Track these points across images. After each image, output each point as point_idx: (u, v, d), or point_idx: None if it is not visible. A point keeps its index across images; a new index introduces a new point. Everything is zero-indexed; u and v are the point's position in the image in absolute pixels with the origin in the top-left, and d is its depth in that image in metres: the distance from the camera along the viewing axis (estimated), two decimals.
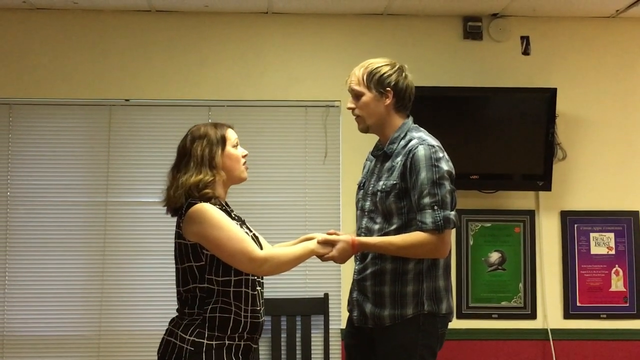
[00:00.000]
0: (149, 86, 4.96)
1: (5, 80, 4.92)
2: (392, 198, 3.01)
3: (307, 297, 4.90)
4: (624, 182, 5.01)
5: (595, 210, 4.98)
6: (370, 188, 3.15)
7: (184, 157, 2.86)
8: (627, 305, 4.94)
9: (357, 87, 3.13)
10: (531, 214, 4.98)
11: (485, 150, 4.85)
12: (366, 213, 3.15)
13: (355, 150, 4.60)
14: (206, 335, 2.73)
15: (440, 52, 5.04)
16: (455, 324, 4.43)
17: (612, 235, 4.97)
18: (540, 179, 4.83)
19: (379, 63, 3.13)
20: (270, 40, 5.03)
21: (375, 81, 3.09)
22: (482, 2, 4.77)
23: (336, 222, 4.89)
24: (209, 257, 2.76)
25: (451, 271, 3.20)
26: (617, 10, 4.92)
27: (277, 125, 5.02)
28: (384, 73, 3.09)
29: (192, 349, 2.71)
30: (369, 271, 3.08)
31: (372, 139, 3.29)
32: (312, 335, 4.84)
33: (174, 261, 2.86)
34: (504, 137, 4.85)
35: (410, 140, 3.06)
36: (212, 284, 2.76)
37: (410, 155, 2.99)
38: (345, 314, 3.33)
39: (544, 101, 4.80)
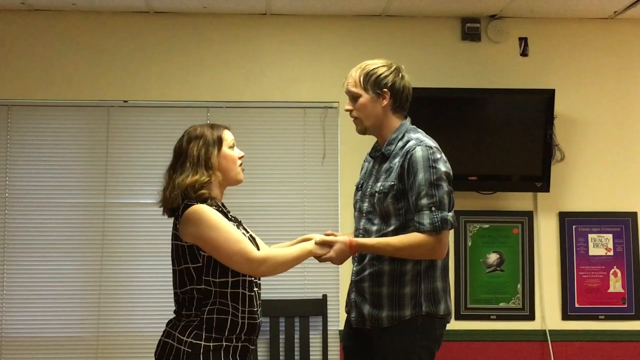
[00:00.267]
0: (148, 87, 4.96)
1: (4, 81, 4.92)
2: (389, 199, 3.02)
3: (305, 298, 4.90)
4: (622, 183, 5.02)
5: (594, 212, 4.98)
6: (368, 189, 3.15)
7: (180, 157, 2.86)
8: (626, 306, 4.94)
9: (354, 89, 3.13)
10: (529, 215, 4.98)
11: (483, 152, 4.85)
12: (364, 214, 3.15)
13: (353, 151, 4.60)
14: (203, 337, 2.73)
15: (438, 53, 5.04)
16: (454, 325, 4.46)
17: (610, 236, 4.98)
18: (538, 180, 4.83)
19: (376, 64, 3.13)
20: (269, 41, 5.03)
21: (372, 82, 3.09)
22: (481, 4, 4.77)
23: (334, 223, 4.89)
24: (206, 258, 2.75)
25: (449, 272, 3.20)
26: (615, 12, 4.92)
27: (276, 127, 5.02)
28: (381, 74, 3.09)
29: (190, 350, 2.71)
30: (366, 272, 3.08)
31: (370, 140, 3.29)
32: (310, 336, 4.84)
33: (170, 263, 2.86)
34: (502, 138, 4.85)
35: (408, 142, 3.06)
36: (209, 285, 2.76)
37: (408, 156, 2.99)
38: (343, 315, 3.33)
39: (542, 102, 4.81)
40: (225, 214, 2.87)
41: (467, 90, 4.91)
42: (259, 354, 4.80)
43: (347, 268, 3.33)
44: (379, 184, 3.08)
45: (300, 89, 5.01)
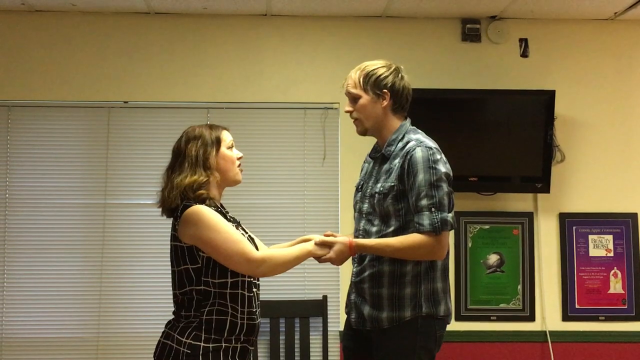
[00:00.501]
0: (148, 88, 4.96)
1: (4, 82, 4.92)
2: (389, 200, 3.02)
3: (305, 299, 4.90)
4: (623, 184, 5.01)
5: (594, 212, 4.98)
6: (368, 190, 3.16)
7: (179, 157, 2.87)
8: (626, 307, 4.93)
9: (353, 90, 3.13)
10: (530, 216, 4.98)
11: (483, 153, 4.85)
12: (364, 215, 3.15)
13: (353, 152, 4.60)
14: (203, 338, 2.73)
15: (438, 54, 5.04)
16: (454, 326, 4.45)
17: (610, 237, 4.97)
18: (538, 181, 4.82)
19: (375, 65, 3.13)
20: (269, 42, 5.03)
21: (371, 83, 3.10)
22: (481, 5, 4.77)
23: (335, 224, 4.89)
24: (205, 259, 2.75)
25: (449, 273, 3.20)
26: (616, 13, 4.92)
27: (276, 128, 5.02)
28: (380, 75, 3.10)
29: (189, 351, 2.71)
30: (366, 273, 3.09)
31: (370, 141, 3.30)
32: (310, 337, 4.84)
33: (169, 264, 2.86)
34: (503, 139, 4.85)
35: (407, 142, 3.06)
36: (208, 286, 2.76)
37: (408, 157, 2.99)
38: (343, 316, 3.33)
39: (542, 103, 4.80)
40: (224, 214, 2.87)
41: (467, 91, 4.91)
42: (259, 354, 4.80)
43: (347, 269, 3.33)
44: (379, 185, 3.08)
45: (301, 89, 5.01)
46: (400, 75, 3.14)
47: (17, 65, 4.93)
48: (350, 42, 5.02)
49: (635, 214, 4.99)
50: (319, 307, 4.86)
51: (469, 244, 4.96)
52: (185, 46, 4.99)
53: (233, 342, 2.78)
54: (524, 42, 5.05)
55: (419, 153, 2.98)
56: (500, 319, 4.93)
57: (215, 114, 4.94)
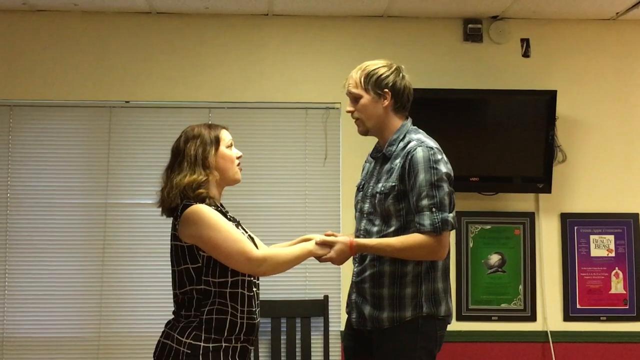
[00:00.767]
0: (150, 88, 4.96)
1: (6, 82, 4.93)
2: (390, 200, 3.02)
3: (306, 299, 4.90)
4: (624, 184, 5.01)
5: (595, 213, 4.98)
6: (369, 190, 3.15)
7: (178, 157, 2.86)
8: (627, 307, 4.93)
9: (355, 90, 3.13)
10: (531, 216, 4.98)
11: (485, 153, 4.85)
12: (365, 215, 3.15)
13: (355, 152, 4.60)
14: (203, 338, 2.73)
15: (440, 54, 5.04)
16: (455, 326, 4.45)
17: (612, 237, 4.97)
18: (540, 181, 4.82)
19: (376, 65, 3.13)
20: (271, 42, 5.03)
21: (372, 83, 3.09)
22: (482, 5, 4.77)
23: (336, 224, 4.89)
24: (205, 258, 2.75)
25: (450, 273, 3.20)
26: (617, 13, 4.92)
27: (277, 127, 5.02)
28: (381, 74, 3.09)
29: (189, 351, 2.71)
30: (367, 273, 3.08)
31: (372, 141, 3.29)
32: (311, 337, 4.84)
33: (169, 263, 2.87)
34: (504, 139, 4.84)
35: (409, 142, 3.06)
36: (208, 286, 2.76)
37: (409, 157, 2.99)
38: (344, 316, 3.33)
39: (544, 103, 4.80)
40: (224, 214, 2.87)
41: (468, 91, 4.91)
42: (260, 354, 4.80)
43: (348, 269, 3.33)
44: (380, 185, 3.08)
45: (302, 89, 5.01)
46: (401, 74, 3.14)
47: (18, 64, 4.94)
48: (351, 42, 5.02)
49: (637, 214, 4.98)
50: (320, 307, 4.86)
51: (470, 244, 4.96)
52: (187, 46, 5.00)
53: (233, 341, 2.77)
54: (525, 42, 5.05)
55: (420, 153, 2.97)
56: (501, 319, 4.93)
57: (216, 114, 4.94)
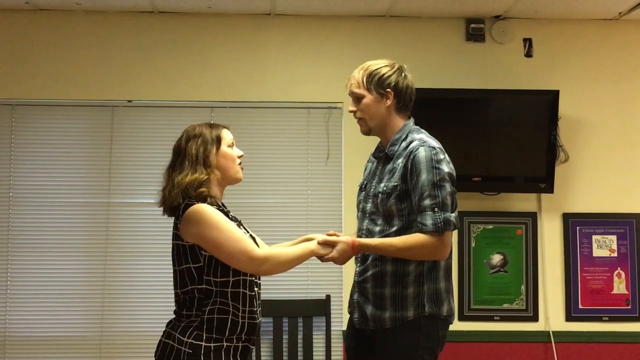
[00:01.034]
0: (152, 87, 4.97)
1: (8, 81, 4.93)
2: (392, 200, 3.01)
3: (308, 298, 4.90)
4: (626, 184, 5.01)
5: (598, 213, 4.97)
6: (372, 190, 3.15)
7: (179, 156, 2.86)
8: (629, 307, 4.93)
9: (357, 90, 3.13)
10: (533, 216, 4.98)
11: (487, 152, 4.85)
12: (367, 214, 3.15)
13: (357, 151, 4.59)
14: (204, 338, 2.72)
15: (442, 54, 5.04)
16: (457, 326, 4.44)
17: (614, 237, 4.97)
18: (542, 181, 4.82)
19: (378, 64, 3.12)
20: (273, 41, 5.03)
21: (375, 83, 3.09)
22: (485, 4, 4.77)
23: (338, 224, 4.90)
24: (207, 258, 2.75)
25: (453, 273, 3.20)
26: (620, 13, 4.91)
27: (280, 127, 5.03)
28: (384, 74, 3.09)
29: (190, 351, 2.71)
30: (369, 273, 3.08)
31: (374, 141, 3.29)
32: (313, 336, 4.84)
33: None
34: (506, 139, 4.84)
35: (411, 142, 3.06)
36: (210, 285, 2.75)
37: (411, 157, 2.98)
38: (346, 316, 3.33)
39: (546, 103, 4.80)
40: (225, 213, 2.87)
41: (471, 90, 4.91)
42: (262, 354, 4.81)
43: (350, 268, 3.33)
44: (382, 185, 3.08)
45: (304, 89, 5.01)
46: (403, 74, 3.13)
47: (21, 64, 4.94)
48: (354, 42, 5.02)
49: (639, 214, 4.98)
50: (322, 307, 4.86)
51: (473, 244, 4.96)
52: (189, 45, 5.00)
53: (234, 341, 2.77)
54: (528, 42, 5.05)
55: (422, 153, 2.97)
56: (503, 319, 4.93)
57: (219, 113, 4.95)
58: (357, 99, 3.14)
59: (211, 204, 2.80)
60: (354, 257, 3.09)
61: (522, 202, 4.99)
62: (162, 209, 2.89)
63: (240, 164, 2.97)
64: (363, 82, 3.10)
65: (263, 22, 5.03)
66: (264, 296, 3.05)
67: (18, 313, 4.85)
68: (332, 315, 4.85)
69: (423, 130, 3.16)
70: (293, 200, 4.98)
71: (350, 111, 3.20)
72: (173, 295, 2.88)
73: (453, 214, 2.96)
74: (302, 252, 2.92)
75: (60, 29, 4.96)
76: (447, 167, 2.99)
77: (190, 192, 2.79)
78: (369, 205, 3.15)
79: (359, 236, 3.13)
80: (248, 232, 2.94)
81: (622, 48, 5.08)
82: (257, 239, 3.01)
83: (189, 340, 2.72)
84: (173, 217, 2.84)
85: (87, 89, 4.94)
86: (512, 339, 4.91)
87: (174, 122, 4.85)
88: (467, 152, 4.71)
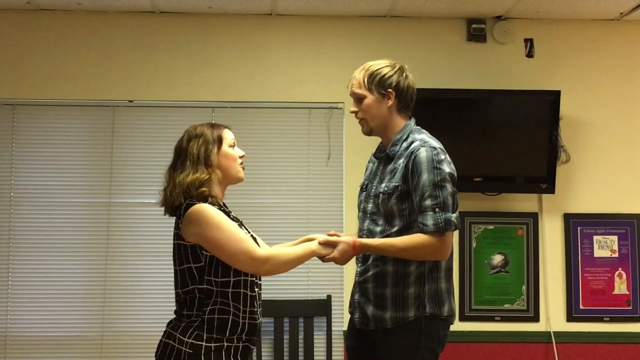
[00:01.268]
0: (153, 87, 4.97)
1: (9, 81, 4.93)
2: (394, 200, 3.02)
3: (309, 298, 4.90)
4: (628, 184, 5.00)
5: (599, 213, 4.97)
6: (373, 190, 3.15)
7: (180, 156, 2.87)
8: (630, 308, 4.93)
9: (358, 90, 3.13)
10: (534, 217, 4.98)
11: (488, 153, 4.84)
12: (368, 215, 3.15)
13: (358, 152, 4.60)
14: (205, 338, 2.73)
15: (444, 54, 5.03)
16: (458, 326, 4.45)
17: (615, 238, 4.96)
18: (543, 181, 4.82)
19: (379, 65, 3.13)
20: (274, 41, 5.03)
21: (376, 83, 3.09)
22: (486, 5, 4.77)
23: (339, 224, 4.89)
24: (208, 258, 2.75)
25: (453, 273, 3.20)
26: (621, 13, 4.91)
27: (281, 127, 5.02)
28: (385, 74, 3.09)
29: (191, 351, 2.71)
30: (370, 273, 3.08)
31: (375, 141, 3.29)
32: (314, 337, 4.84)
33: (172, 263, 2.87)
34: (508, 139, 4.84)
35: (412, 142, 3.06)
36: (211, 285, 2.76)
37: (412, 157, 2.99)
38: (347, 316, 3.33)
39: (547, 104, 4.80)
40: (227, 213, 2.87)
41: (472, 91, 4.90)
42: (263, 354, 4.81)
43: (351, 269, 3.33)
44: (383, 185, 3.08)
45: (305, 89, 5.01)
46: (404, 74, 3.13)
47: (22, 64, 4.94)
48: (355, 42, 5.02)
49: None
50: (323, 307, 4.86)
51: (474, 244, 4.96)
52: (190, 45, 5.00)
53: (235, 341, 2.78)
54: (529, 42, 5.05)
55: (423, 153, 2.97)
56: (504, 319, 4.93)
57: (220, 113, 4.95)
58: (359, 99, 3.15)
59: (212, 204, 2.80)
60: (354, 258, 3.10)
61: (523, 202, 4.99)
62: (163, 208, 2.90)
63: (241, 164, 2.97)
64: (364, 82, 3.11)
65: (264, 22, 5.03)
66: (265, 296, 3.05)
67: (19, 313, 4.85)
68: (333, 316, 4.85)
69: (424, 131, 3.16)
70: (294, 200, 4.98)
71: (352, 112, 3.20)
72: (174, 295, 2.88)
73: (454, 214, 2.96)
74: (303, 253, 2.92)
75: (62, 29, 4.96)
76: (448, 168, 2.99)
77: (191, 191, 2.79)
78: (370, 206, 3.15)
79: (360, 236, 3.14)
80: (249, 232, 2.95)
81: (624, 48, 5.08)
82: (258, 240, 3.01)
83: (190, 340, 2.72)
84: (174, 217, 2.85)
85: (88, 89, 4.94)
86: (513, 340, 4.91)
87: (175, 122, 4.85)
88: (468, 152, 4.70)
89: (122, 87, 4.96)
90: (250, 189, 4.74)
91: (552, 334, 4.88)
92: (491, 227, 4.98)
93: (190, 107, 4.97)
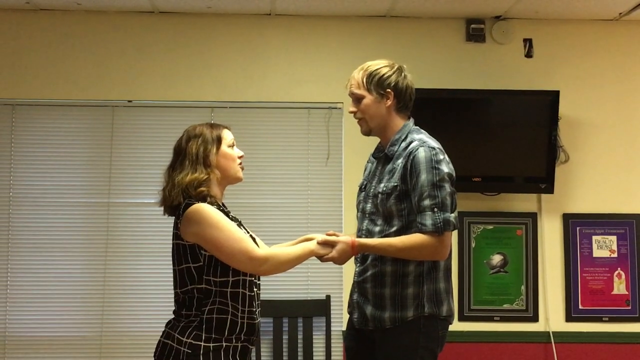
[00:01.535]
0: (152, 87, 4.97)
1: (9, 81, 4.94)
2: (392, 200, 3.01)
3: (308, 298, 4.90)
4: (627, 184, 5.01)
5: (598, 213, 4.97)
6: (371, 190, 3.15)
7: (180, 156, 2.87)
8: (629, 308, 4.93)
9: (357, 91, 3.13)
10: (533, 217, 4.98)
11: (487, 153, 4.84)
12: (367, 215, 3.15)
13: (357, 152, 4.59)
14: (203, 338, 2.72)
15: (443, 54, 5.04)
16: (457, 326, 4.45)
17: (614, 238, 4.97)
18: (542, 181, 4.82)
19: (378, 65, 3.12)
20: (273, 41, 5.03)
21: (375, 83, 3.09)
22: (485, 5, 4.77)
23: (338, 224, 4.90)
24: (207, 257, 2.75)
25: (453, 273, 3.20)
26: (620, 13, 4.91)
27: (280, 127, 5.03)
28: (384, 74, 3.09)
29: (190, 351, 2.70)
30: (369, 273, 3.08)
31: (374, 141, 3.29)
32: (313, 337, 4.84)
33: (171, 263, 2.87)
34: (507, 139, 4.84)
35: (411, 142, 3.06)
36: (209, 285, 2.75)
37: (411, 157, 2.98)
38: (346, 316, 3.33)
39: (546, 103, 4.80)
40: (226, 213, 2.87)
41: (471, 91, 4.91)
42: (262, 354, 4.81)
43: (350, 269, 3.32)
44: (382, 185, 3.08)
45: (305, 89, 5.01)
46: (403, 74, 3.13)
47: (21, 64, 4.94)
48: (354, 42, 5.02)
49: (639, 215, 4.98)
50: (322, 307, 4.86)
51: (473, 244, 4.96)
52: (190, 45, 5.00)
53: (233, 341, 2.77)
54: (528, 42, 5.05)
55: (421, 153, 2.97)
56: (503, 319, 4.93)
57: (219, 113, 4.95)
58: (357, 99, 3.14)
59: (211, 204, 2.80)
60: (353, 257, 3.09)
61: (522, 202, 4.99)
62: (162, 208, 2.90)
63: (240, 164, 2.97)
64: (363, 82, 3.10)
65: (263, 22, 5.03)
66: (264, 296, 3.05)
67: (18, 313, 4.85)
68: (332, 316, 4.85)
69: (423, 131, 3.16)
70: (293, 200, 4.98)
71: (351, 112, 3.20)
72: (173, 295, 2.88)
73: (452, 214, 2.96)
74: (301, 252, 2.92)
75: (61, 28, 4.97)
76: (446, 168, 2.99)
77: (190, 191, 2.79)
78: (368, 206, 3.15)
79: (359, 236, 3.13)
80: (248, 232, 2.94)
81: (623, 48, 5.08)
82: (257, 239, 3.01)
83: (188, 340, 2.72)
84: (173, 217, 2.85)
85: (88, 89, 4.94)
86: (512, 340, 4.91)
87: (174, 122, 4.86)
88: (467, 152, 4.70)
89: (121, 87, 4.96)
90: (249, 189, 4.74)
91: (551, 334, 4.88)
92: (490, 227, 4.98)
93: (189, 107, 4.98)
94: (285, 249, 2.96)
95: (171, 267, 2.86)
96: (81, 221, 4.91)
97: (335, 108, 5.01)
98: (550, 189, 4.83)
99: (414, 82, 3.18)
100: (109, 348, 4.85)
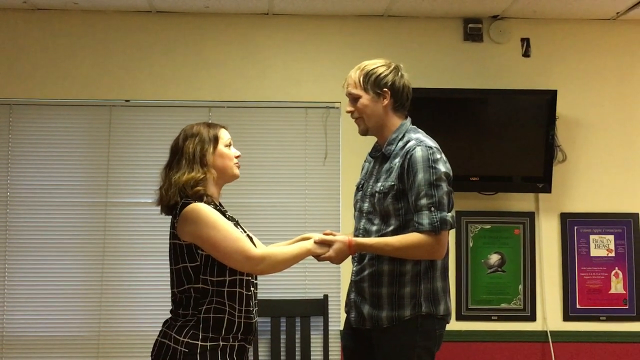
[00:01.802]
0: (150, 87, 4.96)
1: (6, 81, 4.93)
2: (389, 199, 3.02)
3: (306, 298, 4.90)
4: (624, 184, 5.01)
5: (595, 213, 4.97)
6: (369, 189, 3.15)
7: (176, 155, 2.87)
8: (627, 307, 4.93)
9: (354, 90, 3.13)
10: (531, 216, 4.98)
11: (485, 152, 4.84)
12: (364, 214, 3.15)
13: (355, 151, 4.59)
14: (200, 337, 2.73)
15: (440, 53, 5.04)
16: (455, 325, 4.46)
17: (611, 237, 4.97)
18: (540, 181, 4.82)
19: (375, 64, 3.13)
20: (271, 41, 5.03)
21: (371, 82, 3.09)
22: (483, 4, 4.77)
23: (336, 223, 4.89)
24: (203, 257, 2.75)
25: (450, 273, 3.20)
26: (618, 13, 4.92)
27: (277, 127, 5.02)
28: (380, 74, 3.09)
29: (187, 350, 2.71)
30: (366, 272, 3.08)
31: (371, 140, 3.29)
32: (311, 336, 4.84)
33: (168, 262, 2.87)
34: (504, 139, 4.84)
35: (408, 142, 3.06)
36: (206, 284, 2.76)
37: (408, 156, 2.99)
38: (344, 315, 3.33)
39: (544, 103, 4.80)
40: (223, 212, 2.87)
41: (469, 90, 4.91)
42: (260, 353, 4.80)
43: (348, 268, 3.32)
44: (379, 184, 3.08)
45: (302, 89, 5.01)
46: (400, 73, 3.13)
47: (18, 63, 4.94)
48: (352, 42, 5.02)
49: (637, 214, 4.98)
50: (320, 306, 4.86)
51: (470, 244, 4.96)
52: (187, 45, 5.00)
53: (231, 340, 2.78)
54: (525, 41, 5.05)
55: (418, 152, 2.97)
56: (501, 318, 4.93)
57: (216, 113, 4.95)
58: (354, 99, 3.15)
59: (208, 203, 2.80)
60: (350, 257, 3.10)
61: (519, 201, 4.99)
62: (159, 208, 2.90)
63: (237, 164, 2.97)
64: (360, 82, 3.11)
65: (261, 21, 5.03)
66: (261, 296, 3.05)
67: (15, 313, 4.84)
68: (329, 315, 4.85)
69: (420, 130, 3.17)
70: (291, 200, 4.98)
71: (348, 111, 3.20)
72: (170, 295, 2.88)
73: (449, 214, 2.96)
74: (299, 251, 2.93)
75: (58, 28, 4.96)
76: (443, 167, 2.99)
77: (187, 191, 2.79)
78: (366, 205, 3.15)
79: (356, 236, 3.14)
80: (245, 231, 2.94)
81: (620, 48, 5.09)
82: (254, 239, 3.01)
83: (185, 340, 2.72)
84: (170, 217, 2.85)
85: (85, 89, 4.94)
86: (510, 339, 4.91)
87: (171, 121, 4.85)
88: (464, 151, 4.71)
89: (118, 86, 4.95)
90: (246, 189, 4.74)
91: (548, 334, 4.88)
92: (488, 226, 4.98)
93: (186, 106, 4.97)
94: (282, 248, 2.97)
95: (168, 266, 2.86)
96: (79, 221, 4.91)
97: (333, 108, 5.01)
98: (547, 189, 4.83)
99: (411, 81, 3.18)
100: (106, 347, 4.85)
